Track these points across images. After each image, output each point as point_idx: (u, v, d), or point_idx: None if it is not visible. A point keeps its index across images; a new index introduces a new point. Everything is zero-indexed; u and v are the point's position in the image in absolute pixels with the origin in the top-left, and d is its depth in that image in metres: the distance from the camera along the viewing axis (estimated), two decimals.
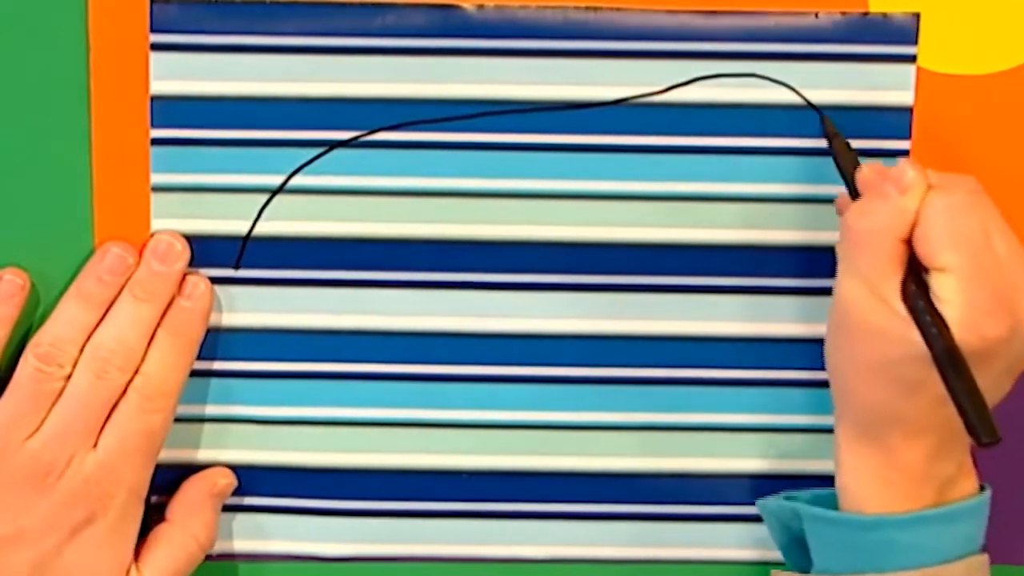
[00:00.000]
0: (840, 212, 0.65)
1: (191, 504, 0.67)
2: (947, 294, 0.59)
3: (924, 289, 0.60)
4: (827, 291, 0.64)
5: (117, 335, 0.64)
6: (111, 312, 0.64)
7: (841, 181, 0.64)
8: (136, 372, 0.64)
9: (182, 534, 0.67)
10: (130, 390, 0.64)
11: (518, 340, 0.67)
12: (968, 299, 0.59)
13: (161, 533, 0.67)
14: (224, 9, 0.64)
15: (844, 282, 0.62)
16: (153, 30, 0.64)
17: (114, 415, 0.63)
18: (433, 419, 0.68)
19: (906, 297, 0.60)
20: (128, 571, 0.65)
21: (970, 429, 0.58)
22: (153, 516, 0.67)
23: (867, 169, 0.63)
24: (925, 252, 0.60)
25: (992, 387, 0.60)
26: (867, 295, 0.60)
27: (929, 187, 0.60)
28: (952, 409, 0.59)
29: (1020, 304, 0.60)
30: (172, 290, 0.65)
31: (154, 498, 0.67)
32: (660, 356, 0.68)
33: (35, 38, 0.64)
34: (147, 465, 0.64)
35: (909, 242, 0.60)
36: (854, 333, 0.61)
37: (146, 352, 0.64)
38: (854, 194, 0.63)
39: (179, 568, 0.66)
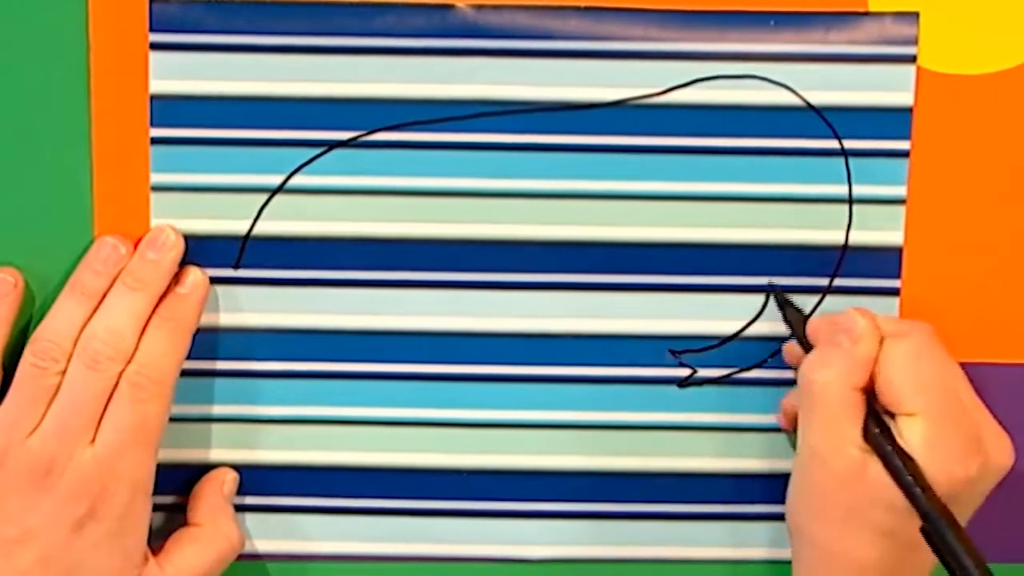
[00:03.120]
0: (790, 362, 0.67)
1: (213, 505, 0.67)
2: (916, 438, 0.60)
3: (889, 434, 0.60)
4: (826, 291, 0.64)
5: (108, 325, 0.63)
6: (104, 303, 0.64)
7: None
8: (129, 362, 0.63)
9: (213, 534, 0.66)
10: (122, 379, 0.63)
11: (518, 340, 0.67)
12: (939, 441, 0.60)
13: (190, 534, 0.66)
14: (224, 9, 0.65)
15: (808, 433, 0.62)
16: (152, 29, 0.64)
17: (108, 407, 0.63)
18: (431, 418, 0.68)
19: (870, 442, 0.60)
20: (145, 567, 0.64)
21: (962, 570, 0.58)
22: (178, 519, 0.67)
23: (817, 320, 0.64)
24: (891, 398, 0.61)
25: None
26: (832, 444, 0.61)
27: (882, 339, 0.62)
28: (923, 554, 0.59)
29: (986, 444, 0.61)
30: (166, 280, 0.64)
31: (171, 499, 0.67)
32: (660, 356, 0.68)
33: (35, 38, 0.64)
34: (146, 458, 0.64)
35: (865, 391, 0.61)
36: (823, 484, 0.62)
37: (139, 342, 0.63)
38: (806, 347, 0.64)
39: (210, 568, 0.66)
